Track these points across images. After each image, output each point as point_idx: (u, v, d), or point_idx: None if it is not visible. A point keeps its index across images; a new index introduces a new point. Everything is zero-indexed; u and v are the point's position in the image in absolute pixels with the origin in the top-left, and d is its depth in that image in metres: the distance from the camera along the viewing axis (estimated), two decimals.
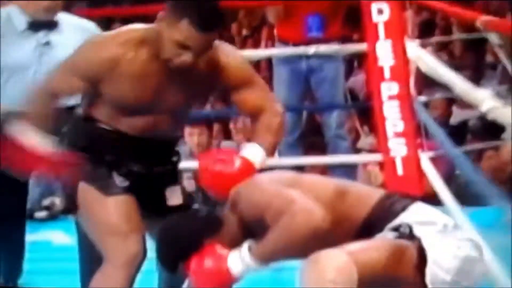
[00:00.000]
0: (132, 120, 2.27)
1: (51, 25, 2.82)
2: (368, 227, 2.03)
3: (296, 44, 4.42)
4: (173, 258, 2.11)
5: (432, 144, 4.16)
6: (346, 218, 2.04)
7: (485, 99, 2.38)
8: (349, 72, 6.53)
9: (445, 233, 2.00)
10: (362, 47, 4.30)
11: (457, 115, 5.50)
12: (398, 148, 4.06)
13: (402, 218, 2.02)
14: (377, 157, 4.30)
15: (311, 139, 5.01)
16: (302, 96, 4.63)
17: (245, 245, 2.02)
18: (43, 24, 2.80)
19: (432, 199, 3.57)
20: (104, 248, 2.30)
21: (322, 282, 1.86)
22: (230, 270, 2.02)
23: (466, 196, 4.04)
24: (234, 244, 2.07)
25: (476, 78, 5.21)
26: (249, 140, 2.33)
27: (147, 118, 2.26)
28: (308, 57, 4.42)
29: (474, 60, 6.05)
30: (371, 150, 4.90)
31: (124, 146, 2.28)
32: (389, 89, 4.09)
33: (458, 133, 4.83)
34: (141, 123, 2.28)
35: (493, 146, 4.45)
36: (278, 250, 1.99)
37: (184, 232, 2.10)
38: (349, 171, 4.56)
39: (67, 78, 2.24)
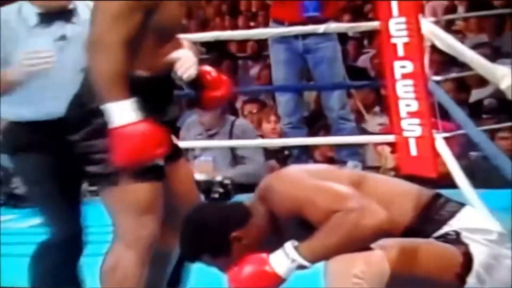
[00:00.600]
0: (164, 52, 2.22)
1: (66, 15, 2.49)
2: (413, 235, 1.94)
3: (291, 24, 4.35)
4: (196, 248, 2.04)
5: (447, 125, 4.06)
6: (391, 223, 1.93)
7: (505, 76, 2.26)
8: (358, 50, 6.47)
9: (498, 243, 1.93)
10: (374, 24, 4.21)
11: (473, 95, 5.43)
12: (412, 128, 3.97)
13: (450, 226, 1.95)
14: (390, 137, 4.21)
15: (318, 119, 4.96)
16: (300, 76, 4.57)
17: (289, 244, 1.94)
18: (56, 15, 2.47)
19: (446, 180, 3.51)
20: (118, 226, 2.25)
21: (348, 274, 1.82)
22: (274, 271, 1.93)
23: (480, 177, 3.98)
24: (260, 238, 2.00)
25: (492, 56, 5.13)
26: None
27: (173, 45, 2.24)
28: (304, 37, 4.35)
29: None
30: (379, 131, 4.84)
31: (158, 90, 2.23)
32: (402, 67, 3.99)
33: (472, 113, 4.74)
34: (170, 52, 2.24)
35: (509, 126, 4.37)
36: (330, 249, 1.89)
37: (210, 222, 2.02)
38: (356, 152, 4.51)
39: (130, 17, 2.12)
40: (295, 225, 1.98)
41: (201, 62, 2.37)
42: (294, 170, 2.05)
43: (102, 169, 2.21)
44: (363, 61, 6.28)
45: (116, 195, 2.22)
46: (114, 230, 2.27)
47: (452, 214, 1.96)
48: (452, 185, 3.39)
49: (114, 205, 2.24)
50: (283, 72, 4.46)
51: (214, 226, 2.01)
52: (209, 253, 2.02)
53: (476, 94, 5.36)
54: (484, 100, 5.12)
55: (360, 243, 1.87)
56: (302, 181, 1.97)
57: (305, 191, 1.95)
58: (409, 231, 1.95)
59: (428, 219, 1.96)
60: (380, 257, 1.85)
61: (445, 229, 1.95)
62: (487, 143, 2.90)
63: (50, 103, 2.45)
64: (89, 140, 2.21)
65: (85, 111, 2.21)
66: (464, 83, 5.31)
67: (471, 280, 1.90)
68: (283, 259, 1.92)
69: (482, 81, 5.25)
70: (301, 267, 1.93)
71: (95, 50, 2.13)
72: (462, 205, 2.01)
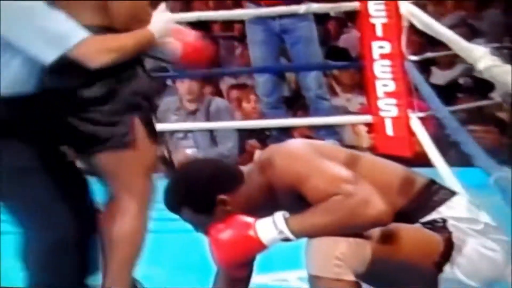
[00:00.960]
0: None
1: None
2: (400, 219, 1.91)
3: (268, 5, 4.36)
4: (180, 198, 1.98)
5: (423, 104, 4.10)
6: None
7: (482, 57, 2.27)
8: (340, 30, 6.47)
9: (484, 234, 1.92)
10: (354, 5, 4.22)
11: (439, 76, 5.46)
12: (388, 108, 4.00)
13: (438, 213, 1.93)
14: (367, 118, 4.25)
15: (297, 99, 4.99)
16: (278, 57, 4.59)
17: (279, 214, 1.88)
18: None
19: (422, 159, 3.56)
20: (129, 188, 2.24)
21: (330, 255, 1.80)
22: (258, 237, 1.88)
23: (456, 156, 4.03)
24: (246, 208, 1.95)
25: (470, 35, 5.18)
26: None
27: None
28: (280, 17, 4.36)
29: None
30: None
31: None
32: (380, 47, 4.02)
33: (448, 93, 4.79)
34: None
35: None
36: (319, 229, 1.83)
37: (200, 175, 1.97)
38: (334, 131, 4.54)
39: None
40: (292, 200, 1.92)
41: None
42: (298, 144, 1.99)
43: (112, 132, 2.20)
44: (344, 40, 6.29)
45: (128, 157, 2.21)
46: (119, 194, 2.24)
47: (442, 201, 1.95)
48: (428, 164, 3.43)
49: (127, 167, 2.23)
50: (260, 52, 4.47)
51: (203, 180, 1.96)
52: (190, 207, 1.97)
53: (439, 74, 5.39)
54: (459, 79, 5.19)
55: (352, 230, 1.83)
56: (305, 157, 1.92)
57: (307, 168, 1.89)
58: (399, 215, 1.91)
59: (420, 205, 1.95)
60: (362, 241, 1.83)
61: (434, 215, 1.93)
62: (455, 125, 2.93)
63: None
64: (100, 103, 2.19)
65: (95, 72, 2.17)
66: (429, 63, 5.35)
67: (448, 269, 1.90)
68: (270, 227, 1.87)
69: (451, 62, 5.28)
70: (285, 239, 1.88)
71: None
72: (453, 193, 1.99)
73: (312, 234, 1.84)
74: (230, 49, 6.42)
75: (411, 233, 1.89)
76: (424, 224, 1.93)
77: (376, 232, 1.84)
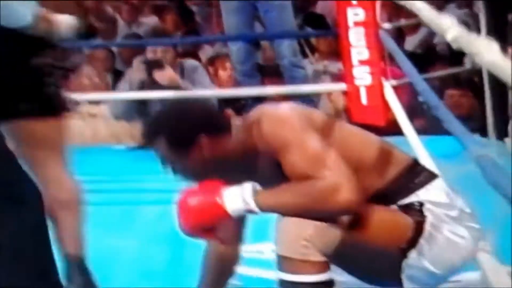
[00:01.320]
0: None
1: None
2: (378, 200, 1.88)
3: None
4: (160, 125, 1.91)
5: (397, 71, 4.10)
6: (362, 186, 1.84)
7: (449, 28, 2.22)
8: None
9: (456, 220, 1.89)
10: None
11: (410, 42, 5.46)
12: (362, 76, 4.00)
13: (417, 196, 1.90)
14: (341, 86, 4.24)
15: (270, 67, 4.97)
16: (252, 24, 4.57)
17: (248, 186, 1.84)
18: None
19: (394, 128, 3.57)
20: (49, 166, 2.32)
21: (298, 237, 1.78)
22: (224, 205, 1.83)
23: (428, 124, 4.05)
24: (226, 165, 1.89)
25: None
26: None
27: None
28: None
29: None
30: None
31: None
32: (355, 14, 4.01)
33: (424, 59, 4.77)
34: None
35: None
36: (286, 209, 1.81)
37: (190, 107, 1.92)
38: (310, 100, 4.53)
39: None
40: (270, 167, 1.87)
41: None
42: (288, 110, 1.90)
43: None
44: (321, 6, 6.25)
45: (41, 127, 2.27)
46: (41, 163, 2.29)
47: (423, 184, 1.91)
48: (398, 132, 3.44)
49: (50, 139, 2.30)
50: (234, 20, 4.44)
51: (191, 114, 1.90)
52: (168, 137, 1.88)
53: (411, 41, 5.40)
54: (437, 46, 5.16)
55: (319, 215, 1.80)
56: (293, 125, 1.85)
57: (292, 138, 1.83)
58: (378, 195, 1.89)
59: (400, 186, 1.91)
60: (331, 224, 1.81)
61: (412, 198, 1.90)
62: (429, 93, 2.93)
63: None
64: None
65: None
66: (401, 30, 5.34)
67: (413, 255, 1.87)
68: (236, 197, 1.83)
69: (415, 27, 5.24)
70: (251, 212, 1.84)
71: None
72: (434, 175, 1.95)
73: (278, 212, 1.83)
74: (206, 17, 6.37)
75: (382, 217, 1.86)
76: (401, 206, 1.89)
77: (346, 215, 1.83)
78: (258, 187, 1.86)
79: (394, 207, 1.90)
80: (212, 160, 1.89)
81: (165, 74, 4.32)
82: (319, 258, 1.79)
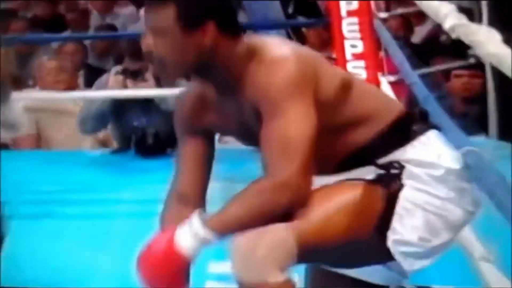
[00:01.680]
0: None
1: None
2: (357, 157, 1.78)
3: None
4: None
5: (393, 65, 3.81)
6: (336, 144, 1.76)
7: (447, 16, 2.10)
8: None
9: (441, 181, 1.75)
10: None
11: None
12: (357, 72, 3.72)
13: (401, 153, 1.77)
14: None
15: None
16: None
17: (195, 217, 1.74)
18: None
19: None
20: None
21: (250, 260, 1.69)
22: (180, 249, 1.73)
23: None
24: (216, 63, 1.76)
25: None
26: None
27: None
28: None
29: None
30: None
31: None
32: (348, 3, 3.80)
33: (425, 51, 4.58)
34: None
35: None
36: (241, 221, 1.73)
37: None
38: None
39: None
40: (252, 118, 1.76)
41: None
42: (297, 64, 1.73)
43: None
44: None
45: None
46: None
47: (410, 139, 1.78)
48: None
49: None
50: None
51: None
52: (178, 6, 1.74)
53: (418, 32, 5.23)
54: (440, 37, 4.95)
55: (278, 213, 1.73)
56: (291, 88, 1.71)
57: (282, 105, 1.70)
58: (358, 151, 1.78)
59: (384, 141, 1.79)
60: (283, 235, 1.70)
61: (392, 157, 1.77)
62: (422, 88, 2.70)
63: None
64: None
65: None
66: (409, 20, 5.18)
67: (391, 234, 1.73)
68: (188, 235, 1.74)
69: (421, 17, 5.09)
70: (208, 242, 1.74)
71: None
72: (427, 127, 1.82)
73: (235, 227, 1.72)
74: None
75: (340, 212, 1.74)
76: (379, 166, 1.78)
77: (302, 223, 1.72)
78: (205, 216, 1.75)
79: (370, 169, 1.78)
80: (205, 56, 1.76)
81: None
82: (280, 276, 1.70)
